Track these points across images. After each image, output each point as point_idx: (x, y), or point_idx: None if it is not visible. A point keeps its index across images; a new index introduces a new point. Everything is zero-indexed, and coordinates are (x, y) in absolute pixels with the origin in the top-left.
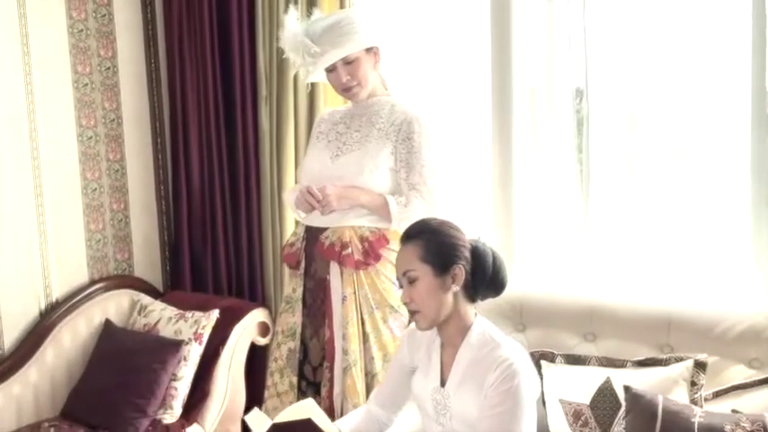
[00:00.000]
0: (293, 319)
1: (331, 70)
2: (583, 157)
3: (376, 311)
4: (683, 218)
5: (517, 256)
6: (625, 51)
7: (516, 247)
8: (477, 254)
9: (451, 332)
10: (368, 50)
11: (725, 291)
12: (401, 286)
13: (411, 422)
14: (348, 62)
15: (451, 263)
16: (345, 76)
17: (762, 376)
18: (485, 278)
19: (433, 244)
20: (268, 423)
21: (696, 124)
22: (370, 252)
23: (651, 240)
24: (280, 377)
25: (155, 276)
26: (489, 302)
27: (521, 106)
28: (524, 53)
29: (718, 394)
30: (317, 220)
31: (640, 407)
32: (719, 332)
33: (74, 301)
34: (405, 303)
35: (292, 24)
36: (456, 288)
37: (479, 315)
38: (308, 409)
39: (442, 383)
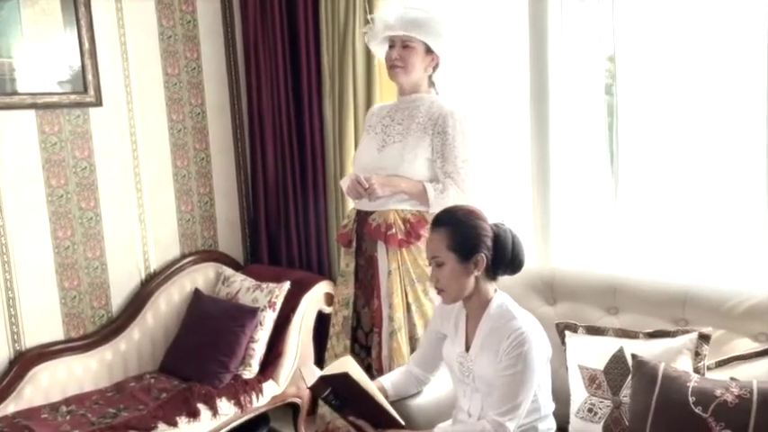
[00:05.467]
0: (347, 290)
1: (392, 46)
2: (613, 148)
3: (417, 284)
4: (703, 200)
5: (554, 236)
6: (653, 45)
7: (553, 228)
8: (498, 241)
9: (474, 306)
10: (428, 51)
11: (741, 269)
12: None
13: (447, 381)
14: (405, 46)
15: (474, 252)
16: (396, 55)
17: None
18: (504, 261)
19: (459, 234)
20: (317, 375)
21: (715, 110)
22: (412, 232)
23: (674, 223)
24: (336, 341)
25: (236, 251)
26: (524, 278)
27: (556, 98)
28: (558, 47)
29: (720, 364)
30: (366, 204)
31: (643, 372)
32: (729, 307)
33: (168, 272)
34: (433, 282)
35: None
36: (477, 273)
37: (499, 290)
38: (346, 363)
39: (467, 349)
